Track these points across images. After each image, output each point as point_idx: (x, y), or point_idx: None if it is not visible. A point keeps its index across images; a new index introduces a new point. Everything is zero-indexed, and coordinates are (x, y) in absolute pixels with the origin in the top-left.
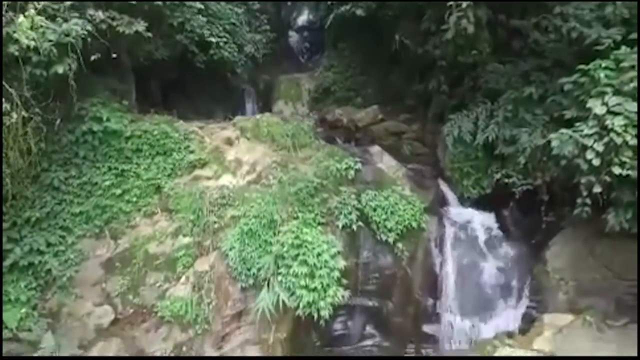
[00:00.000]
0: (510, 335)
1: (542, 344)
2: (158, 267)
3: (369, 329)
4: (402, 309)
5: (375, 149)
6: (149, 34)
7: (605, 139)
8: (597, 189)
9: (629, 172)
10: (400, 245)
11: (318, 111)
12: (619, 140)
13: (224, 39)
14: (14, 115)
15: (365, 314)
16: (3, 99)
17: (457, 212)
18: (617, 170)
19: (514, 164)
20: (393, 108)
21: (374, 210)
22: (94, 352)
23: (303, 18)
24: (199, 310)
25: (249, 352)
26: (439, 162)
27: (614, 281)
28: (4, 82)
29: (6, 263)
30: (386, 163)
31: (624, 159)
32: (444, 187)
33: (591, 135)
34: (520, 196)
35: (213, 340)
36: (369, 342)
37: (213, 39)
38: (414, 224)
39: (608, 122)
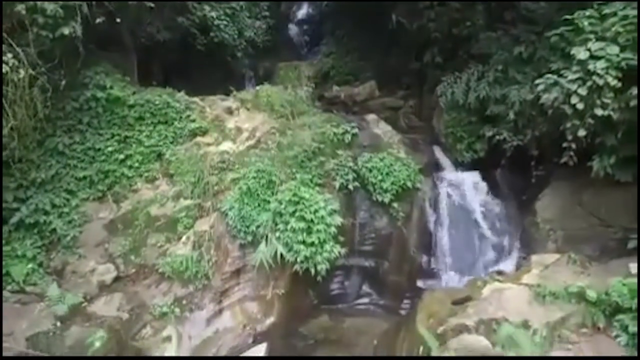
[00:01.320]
0: (500, 273)
1: (529, 279)
2: (159, 228)
3: (365, 287)
4: (397, 267)
5: (372, 116)
6: (151, 4)
7: (589, 83)
8: (581, 133)
9: (611, 113)
10: (395, 205)
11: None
12: (600, 82)
13: (224, 22)
14: (22, 72)
15: (361, 274)
16: (10, 56)
17: (451, 175)
18: (599, 111)
19: (505, 123)
20: (390, 86)
21: (370, 171)
22: (97, 305)
23: (303, 12)
24: (199, 267)
25: (248, 308)
26: (434, 132)
27: (600, 229)
28: (11, 41)
29: (13, 221)
30: (382, 129)
31: (606, 100)
32: (439, 152)
33: (575, 80)
34: (512, 154)
35: (212, 295)
36: (365, 300)
37: (214, 17)
38: (409, 184)
39: (591, 66)
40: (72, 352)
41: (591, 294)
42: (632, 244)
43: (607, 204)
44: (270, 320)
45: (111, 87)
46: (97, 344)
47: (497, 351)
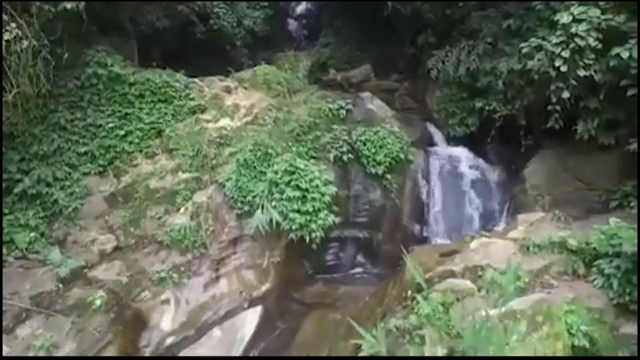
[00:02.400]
0: (488, 230)
1: (515, 234)
2: (158, 201)
3: (359, 258)
4: (391, 237)
5: (366, 94)
6: None
7: (571, 45)
8: (565, 95)
9: (593, 73)
10: (389, 177)
11: None
12: (582, 44)
13: (223, 10)
14: (24, 42)
15: (356, 245)
16: (13, 25)
17: (444, 149)
18: (581, 72)
19: (495, 94)
20: (386, 70)
21: (364, 144)
22: (98, 271)
23: (302, 7)
24: (197, 236)
25: (244, 276)
26: (427, 110)
27: (585, 192)
28: (13, 12)
29: (16, 191)
30: (376, 105)
31: (587, 61)
32: (431, 128)
33: (559, 44)
34: (501, 125)
35: (210, 263)
36: (359, 269)
37: (213, 4)
38: (402, 156)
39: (573, 29)
40: (74, 310)
41: (572, 242)
42: (613, 204)
43: (592, 168)
44: (266, 287)
45: (112, 65)
46: (98, 302)
47: (482, 294)
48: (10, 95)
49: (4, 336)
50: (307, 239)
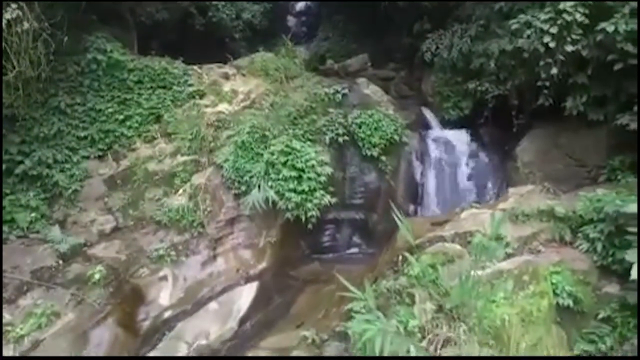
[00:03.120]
0: (479, 203)
1: (505, 205)
2: (157, 183)
3: (355, 239)
4: (385, 218)
5: (362, 79)
6: None
7: (559, 21)
8: (554, 71)
9: (580, 48)
10: (384, 159)
11: None
12: (569, 19)
13: (222, 2)
14: (25, 24)
15: (351, 226)
16: (14, 6)
17: (439, 132)
18: (569, 47)
19: (487, 76)
20: (383, 61)
21: (359, 127)
22: (97, 249)
23: (301, 5)
24: (195, 216)
25: (241, 255)
26: (423, 97)
27: (575, 168)
28: None
29: (17, 171)
30: (371, 89)
31: (575, 36)
32: (426, 112)
33: (547, 20)
34: (494, 106)
35: (207, 242)
36: (355, 249)
37: None
38: (396, 138)
39: (561, 5)
40: (74, 284)
41: (559, 210)
42: (602, 178)
43: (581, 144)
44: (262, 265)
45: (111, 52)
46: (97, 276)
47: (470, 257)
48: (12, 74)
49: (5, 306)
50: (303, 218)
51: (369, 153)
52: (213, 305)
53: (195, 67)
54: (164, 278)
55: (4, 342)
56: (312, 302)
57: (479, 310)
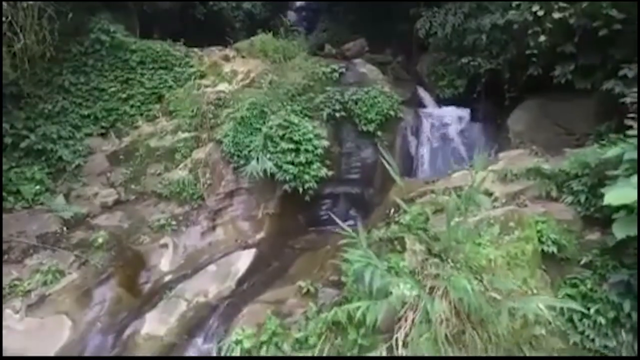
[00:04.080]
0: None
1: (495, 167)
2: (158, 158)
3: (352, 212)
4: (382, 192)
5: (359, 60)
6: None
7: None
8: (542, 39)
9: (567, 15)
10: (380, 134)
11: None
12: None
13: None
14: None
15: (348, 200)
16: None
17: (433, 109)
18: (556, 15)
19: (480, 51)
20: (381, 47)
21: (356, 103)
22: (100, 220)
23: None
24: (195, 189)
25: (240, 226)
26: (419, 77)
27: (564, 137)
28: None
29: (22, 145)
30: (368, 68)
31: (562, 4)
32: (422, 91)
33: None
34: (487, 81)
35: (207, 214)
36: (351, 222)
37: None
38: (392, 113)
39: None
40: (78, 248)
41: (546, 167)
42: (589, 143)
43: (570, 113)
44: (261, 235)
45: (114, 32)
46: (100, 240)
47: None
48: (18, 46)
49: (12, 265)
50: (301, 190)
51: (365, 129)
52: (212, 267)
53: (196, 50)
54: (165, 246)
55: (11, 296)
56: (309, 263)
57: (466, 252)
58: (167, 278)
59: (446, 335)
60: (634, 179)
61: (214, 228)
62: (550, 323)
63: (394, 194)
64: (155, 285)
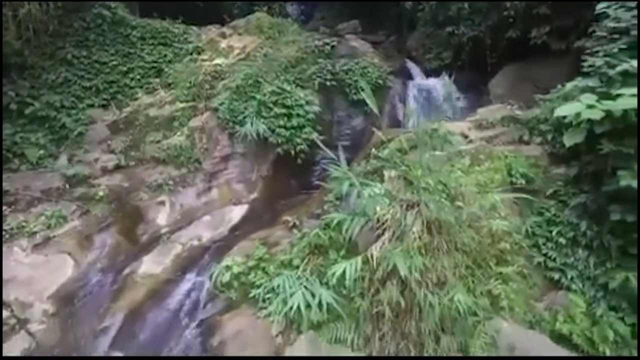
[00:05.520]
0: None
1: (473, 118)
2: (157, 127)
3: None
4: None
5: (350, 35)
6: None
7: None
8: (517, 2)
9: None
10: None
11: None
12: None
13: None
14: None
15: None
16: None
17: (420, 80)
18: None
19: (464, 20)
20: (374, 29)
21: (347, 73)
22: (101, 181)
23: None
24: (192, 153)
25: (235, 188)
26: (408, 52)
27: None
28: None
29: (27, 112)
30: (359, 42)
31: None
32: (410, 64)
33: None
34: (470, 50)
35: (203, 176)
36: None
37: None
38: (381, 82)
39: None
40: (80, 200)
41: (519, 113)
42: None
43: (546, 74)
44: (254, 195)
45: (116, 8)
46: (101, 193)
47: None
48: (23, 10)
49: (19, 214)
50: (293, 152)
51: (355, 98)
52: (206, 217)
53: (194, 28)
54: (162, 203)
55: (18, 235)
56: (299, 209)
57: (438, 179)
58: (164, 230)
59: (418, 247)
60: (583, 96)
61: (209, 189)
62: (516, 243)
63: (375, 138)
64: (152, 236)
